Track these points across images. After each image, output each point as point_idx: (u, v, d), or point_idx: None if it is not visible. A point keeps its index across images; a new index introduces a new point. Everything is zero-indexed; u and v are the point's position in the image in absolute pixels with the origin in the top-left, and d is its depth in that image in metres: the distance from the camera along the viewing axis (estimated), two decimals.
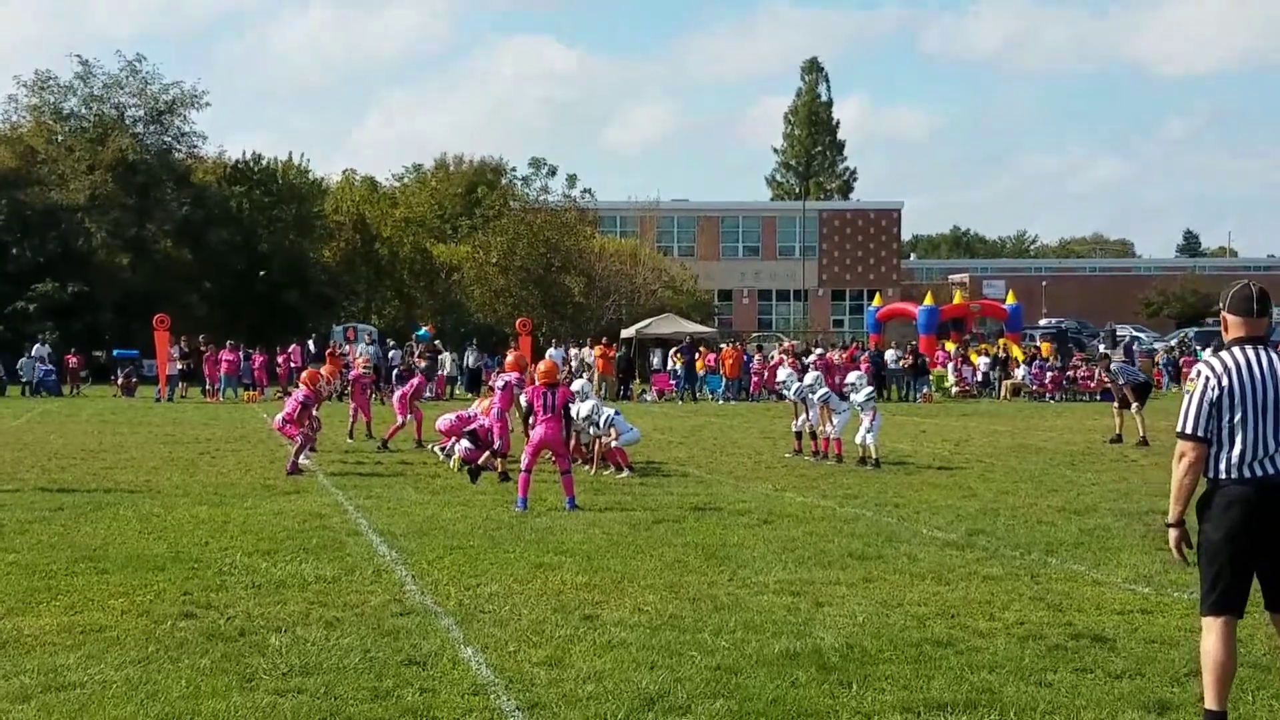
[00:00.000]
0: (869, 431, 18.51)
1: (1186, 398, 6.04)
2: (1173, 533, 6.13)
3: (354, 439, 22.84)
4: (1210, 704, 5.96)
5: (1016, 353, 45.79)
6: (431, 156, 76.31)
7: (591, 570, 10.20)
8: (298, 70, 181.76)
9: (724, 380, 41.51)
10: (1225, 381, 5.90)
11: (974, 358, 44.69)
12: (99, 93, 57.34)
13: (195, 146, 60.09)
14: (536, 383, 15.01)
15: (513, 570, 10.26)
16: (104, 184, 54.21)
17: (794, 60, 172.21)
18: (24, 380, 42.15)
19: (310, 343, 45.48)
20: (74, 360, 44.03)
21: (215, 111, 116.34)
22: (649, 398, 40.98)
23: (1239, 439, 5.90)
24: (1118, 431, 22.97)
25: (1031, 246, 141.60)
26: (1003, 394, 41.67)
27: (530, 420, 15.56)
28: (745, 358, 42.68)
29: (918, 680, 6.99)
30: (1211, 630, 5.96)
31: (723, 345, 45.41)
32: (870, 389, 19.97)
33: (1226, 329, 6.14)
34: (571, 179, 65.26)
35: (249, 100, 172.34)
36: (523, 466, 14.25)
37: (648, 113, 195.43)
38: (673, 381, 42.53)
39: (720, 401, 40.23)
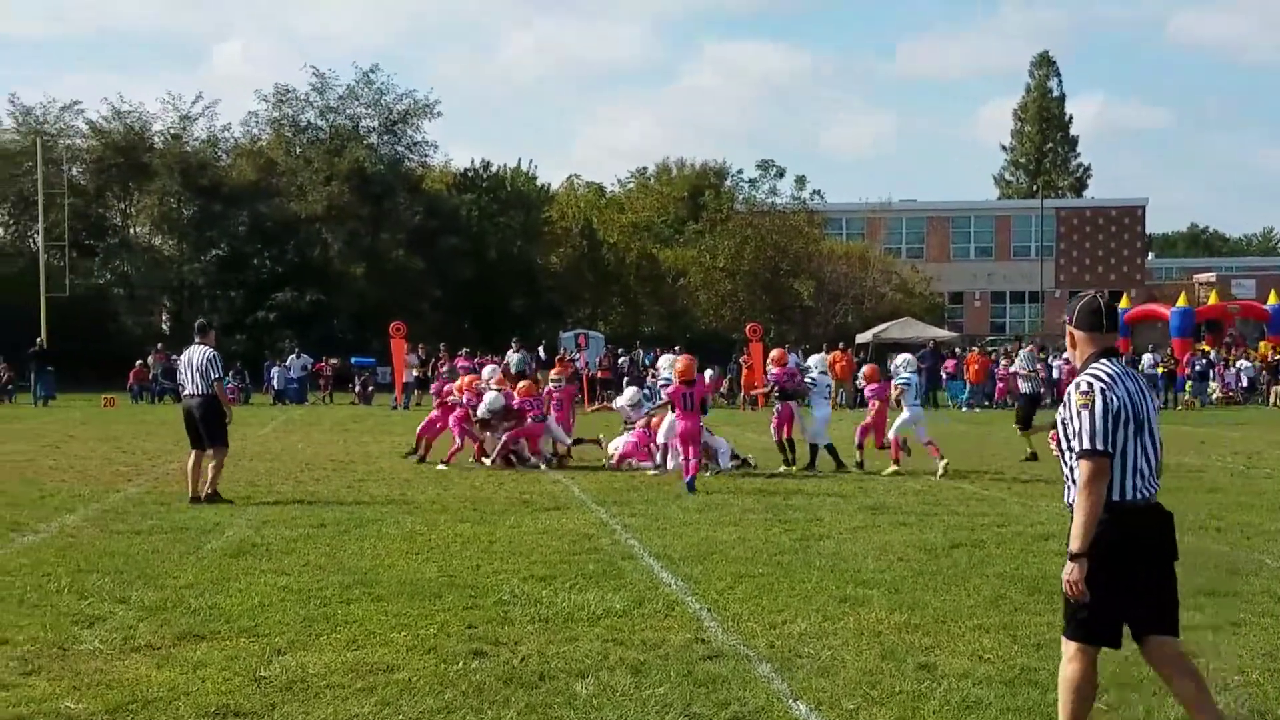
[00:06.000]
0: None
1: (1085, 413, 5.48)
2: (1084, 564, 5.49)
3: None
4: None
5: None
6: (653, 161, 75.99)
7: (906, 606, 9.14)
8: (519, 81, 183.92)
9: (968, 386, 39.85)
10: (1120, 392, 5.53)
11: (1236, 361, 41.99)
12: (334, 104, 58.49)
13: (426, 155, 60.85)
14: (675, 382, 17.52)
15: (816, 604, 9.27)
16: (340, 194, 55.20)
17: (1023, 58, 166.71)
18: (277, 389, 43.07)
19: (540, 349, 45.34)
20: (325, 368, 44.83)
21: (440, 121, 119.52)
22: None
23: (1131, 457, 5.54)
24: None
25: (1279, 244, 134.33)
26: (1273, 401, 38.95)
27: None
28: (991, 363, 40.95)
29: None
30: (1085, 658, 5.73)
31: (967, 349, 43.72)
32: None
33: (1074, 345, 5.82)
34: (800, 180, 63.97)
35: (471, 110, 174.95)
36: (684, 456, 16.93)
37: (868, 113, 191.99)
38: None
39: (964, 409, 38.59)
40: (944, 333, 50.35)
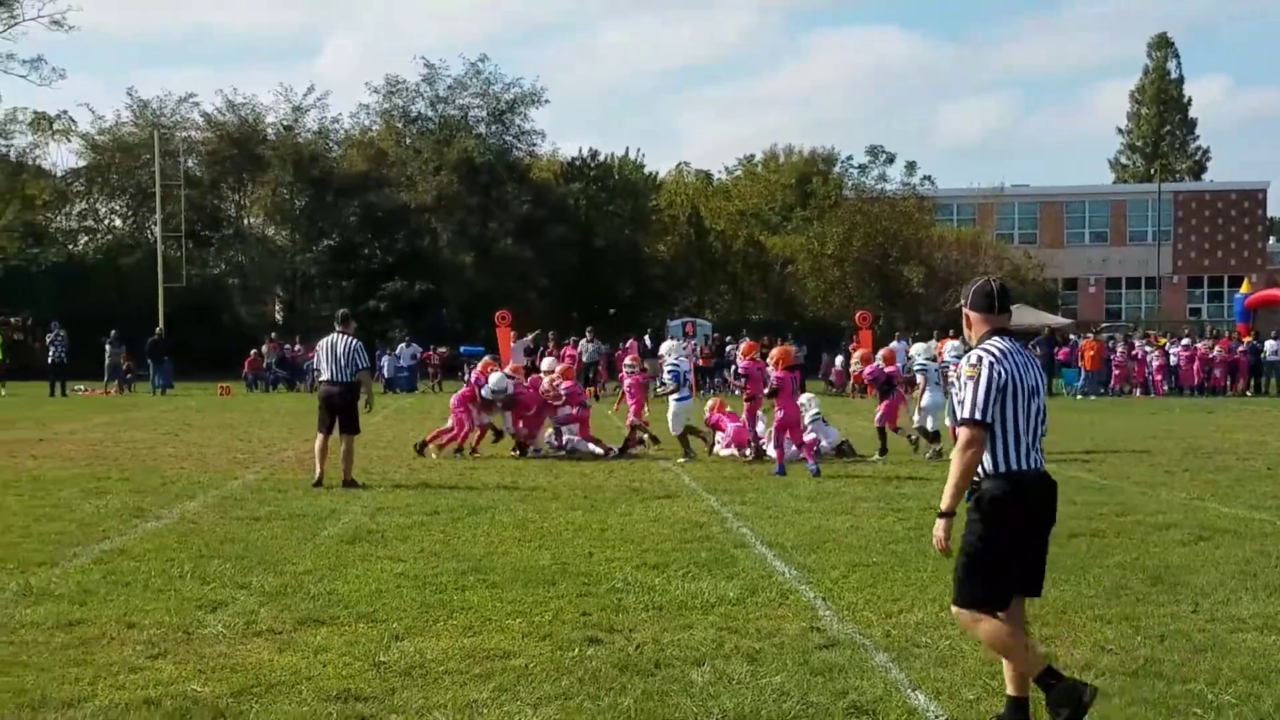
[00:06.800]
0: None
1: (971, 384, 5.90)
2: (948, 524, 5.97)
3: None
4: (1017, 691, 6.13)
5: None
6: (761, 149, 75.60)
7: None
8: (626, 70, 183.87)
9: (1082, 373, 39.19)
10: (1008, 366, 5.92)
11: None
12: (444, 94, 59.02)
13: (534, 144, 61.17)
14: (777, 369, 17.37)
15: (933, 593, 9.15)
16: (450, 184, 55.71)
17: (1140, 41, 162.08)
18: (388, 377, 43.65)
19: (646, 337, 45.30)
20: (433, 357, 45.37)
21: (547, 110, 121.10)
22: None
23: (1020, 427, 5.92)
24: None
25: None
26: None
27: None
28: (1107, 350, 40.27)
29: None
30: (1008, 621, 6.03)
31: (1082, 336, 43.02)
32: None
33: (970, 326, 6.19)
34: (910, 166, 63.14)
35: (579, 101, 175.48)
36: (796, 444, 17.27)
37: (981, 98, 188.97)
38: None
39: (1078, 396, 37.98)
40: (1058, 319, 49.52)
